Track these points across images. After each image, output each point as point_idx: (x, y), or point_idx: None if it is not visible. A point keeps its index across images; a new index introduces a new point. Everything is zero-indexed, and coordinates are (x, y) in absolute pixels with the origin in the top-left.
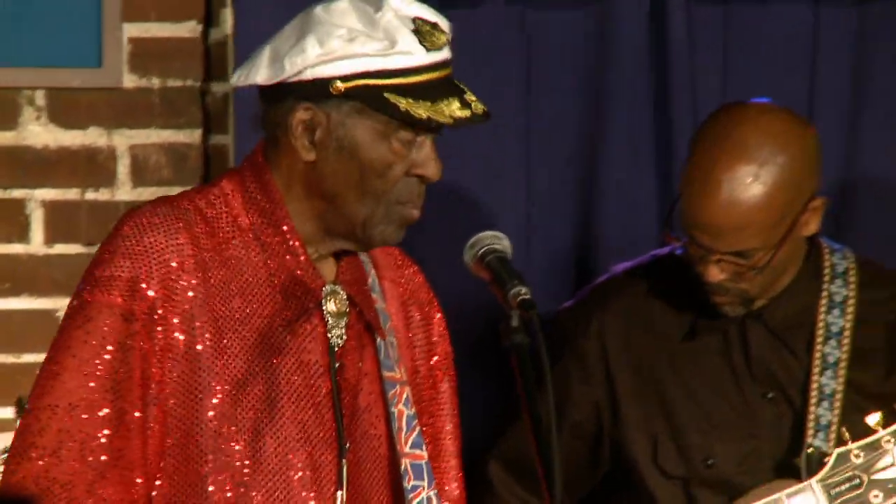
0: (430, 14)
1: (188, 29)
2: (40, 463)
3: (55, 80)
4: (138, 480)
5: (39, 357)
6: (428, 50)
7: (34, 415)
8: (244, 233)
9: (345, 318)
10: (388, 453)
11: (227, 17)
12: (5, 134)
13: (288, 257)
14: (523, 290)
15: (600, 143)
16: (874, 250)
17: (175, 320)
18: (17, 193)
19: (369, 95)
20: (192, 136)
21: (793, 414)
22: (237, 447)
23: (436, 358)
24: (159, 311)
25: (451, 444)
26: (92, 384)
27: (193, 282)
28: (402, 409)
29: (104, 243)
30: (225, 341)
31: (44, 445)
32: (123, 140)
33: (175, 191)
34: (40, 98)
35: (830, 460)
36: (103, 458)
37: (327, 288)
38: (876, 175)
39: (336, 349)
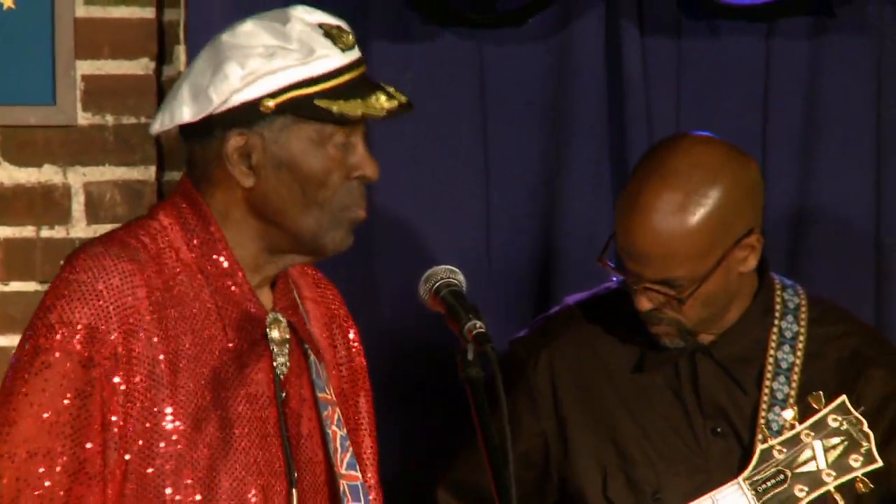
0: (331, 18)
1: (141, 66)
2: None
3: (9, 117)
4: None
5: None
6: (343, 51)
7: None
8: (187, 267)
9: (287, 346)
10: (327, 478)
11: (181, 54)
12: None
13: (232, 288)
14: (478, 323)
15: (559, 174)
16: (827, 281)
17: (135, 365)
18: None
19: (300, 106)
20: (146, 172)
21: (741, 449)
22: (194, 489)
23: (353, 373)
24: (119, 356)
25: (371, 460)
26: (50, 432)
27: (151, 323)
28: (336, 430)
29: (56, 287)
30: (180, 381)
31: (2, 494)
32: (78, 177)
33: None
34: None
35: (755, 458)
36: None
37: (270, 316)
38: (829, 206)
39: (281, 378)
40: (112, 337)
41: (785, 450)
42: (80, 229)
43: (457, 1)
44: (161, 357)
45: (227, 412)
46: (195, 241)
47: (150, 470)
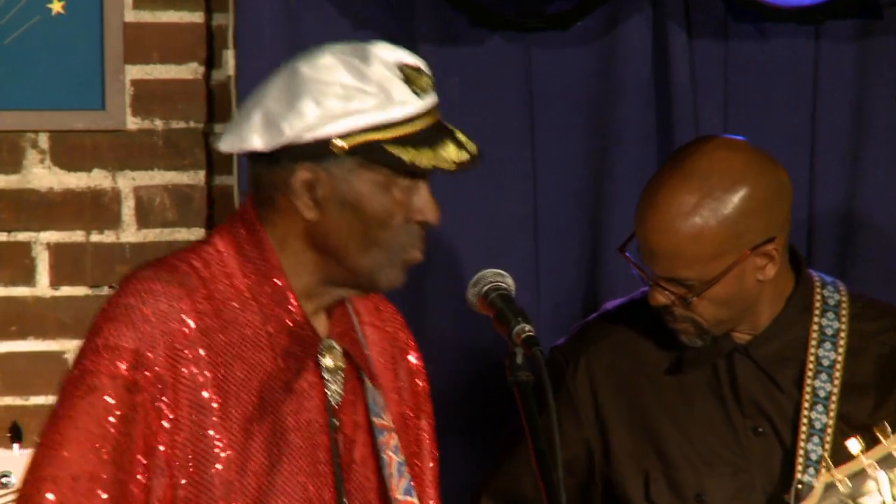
0: (411, 58)
1: (190, 70)
2: None
3: (58, 122)
4: None
5: (47, 399)
6: (419, 96)
7: (35, 485)
8: (240, 293)
9: (340, 373)
10: (380, 503)
11: (229, 59)
12: (9, 177)
13: (285, 315)
14: (527, 327)
15: (607, 179)
16: (875, 284)
17: (181, 391)
18: (21, 236)
19: (371, 150)
20: (195, 177)
21: (783, 448)
22: None
23: (415, 396)
24: (165, 382)
25: (432, 484)
26: (94, 456)
27: (198, 349)
28: (392, 456)
29: (105, 310)
30: (229, 408)
31: None
32: (127, 182)
33: (180, 232)
34: (44, 141)
35: (818, 490)
36: None
37: (324, 343)
38: (877, 209)
39: (335, 406)
40: (158, 362)
41: (849, 482)
42: (130, 234)
43: (504, 4)
44: (209, 383)
45: (276, 439)
46: (250, 268)
47: (200, 497)
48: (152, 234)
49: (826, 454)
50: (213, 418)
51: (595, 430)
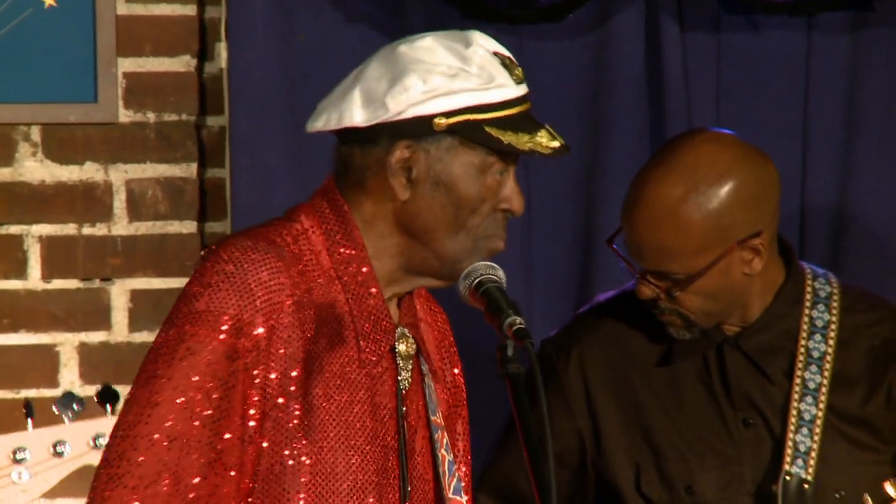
0: (504, 49)
1: (183, 63)
2: (135, 494)
3: (51, 115)
4: None
5: (38, 392)
6: (516, 83)
7: (130, 441)
8: (326, 272)
9: (410, 361)
10: (434, 497)
11: (222, 51)
12: (1, 170)
13: (368, 298)
14: (518, 319)
15: (599, 171)
16: (867, 277)
17: (273, 361)
18: (13, 229)
19: (471, 129)
20: (187, 170)
21: (773, 440)
22: (315, 490)
23: (457, 399)
24: (261, 351)
25: (468, 487)
26: (192, 419)
27: (291, 322)
28: (444, 454)
29: (202, 275)
30: (311, 383)
31: (140, 475)
32: (119, 175)
33: (172, 225)
34: (36, 134)
35: None
36: (198, 494)
37: (399, 330)
38: (869, 201)
39: (403, 392)
40: (257, 330)
41: None
42: (122, 227)
43: None
44: (297, 357)
45: (351, 419)
46: (336, 248)
47: (276, 467)
48: (144, 227)
49: (815, 447)
50: (298, 392)
51: (587, 422)
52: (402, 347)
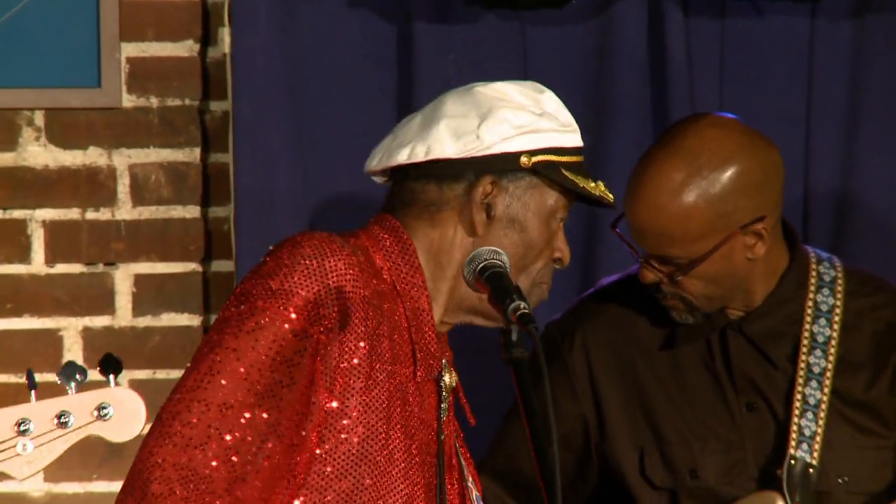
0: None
1: (186, 48)
2: (184, 453)
3: (54, 100)
4: (275, 492)
5: (42, 377)
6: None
7: (185, 404)
8: (390, 286)
9: (450, 395)
10: None
11: (225, 36)
12: (5, 155)
13: (423, 325)
14: (522, 304)
15: (602, 156)
16: (870, 262)
17: (339, 347)
18: (17, 214)
19: (551, 170)
20: (191, 154)
21: (776, 424)
22: (370, 486)
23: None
24: (330, 336)
25: None
26: (250, 390)
27: (360, 317)
28: (472, 488)
29: (279, 255)
30: (372, 378)
31: (190, 436)
32: (123, 159)
33: (175, 210)
34: (39, 118)
35: None
36: (248, 462)
37: (444, 362)
38: (873, 186)
39: (443, 419)
40: (329, 317)
41: None
42: (126, 211)
43: None
44: (362, 352)
45: (406, 427)
46: (396, 270)
47: (334, 460)
48: (147, 212)
49: (820, 431)
50: (359, 384)
51: (591, 405)
52: (446, 378)
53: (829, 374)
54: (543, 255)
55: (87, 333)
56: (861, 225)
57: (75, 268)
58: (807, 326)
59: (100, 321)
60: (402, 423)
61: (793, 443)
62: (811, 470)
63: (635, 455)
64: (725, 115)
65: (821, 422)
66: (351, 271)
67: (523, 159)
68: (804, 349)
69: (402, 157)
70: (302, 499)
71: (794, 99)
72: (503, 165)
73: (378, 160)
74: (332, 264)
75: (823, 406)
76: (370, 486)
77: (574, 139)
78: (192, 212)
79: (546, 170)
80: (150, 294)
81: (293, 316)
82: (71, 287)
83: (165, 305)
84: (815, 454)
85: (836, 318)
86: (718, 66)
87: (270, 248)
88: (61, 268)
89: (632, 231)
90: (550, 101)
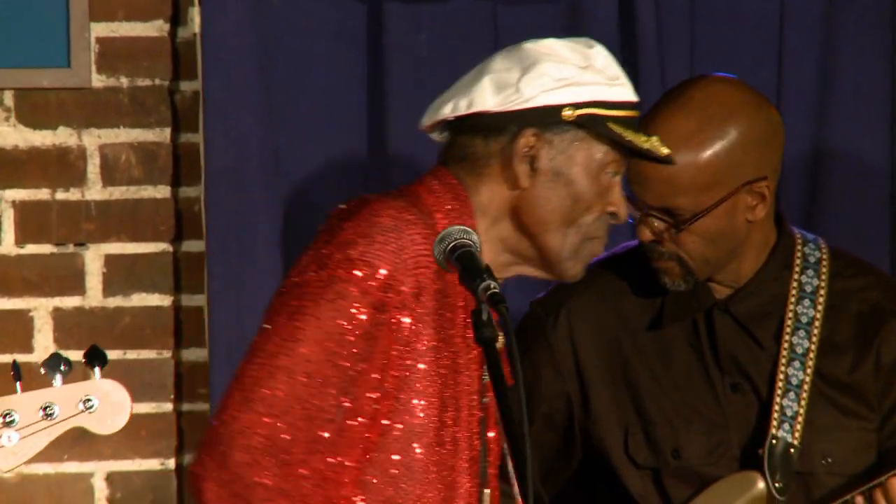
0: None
1: (156, 28)
2: (266, 419)
3: (24, 80)
4: (348, 464)
5: (11, 357)
6: (632, 89)
7: (268, 370)
8: None
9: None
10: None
11: (195, 16)
12: None
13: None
14: (493, 283)
15: None
16: (842, 233)
17: (416, 320)
18: None
19: (595, 124)
20: (161, 134)
21: (760, 404)
22: (430, 455)
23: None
24: (403, 311)
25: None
26: (331, 361)
27: (430, 292)
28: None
29: (358, 224)
30: (436, 353)
31: (273, 404)
32: (93, 140)
33: (146, 190)
34: (9, 98)
35: None
36: (328, 432)
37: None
38: (843, 158)
39: (485, 383)
40: (404, 290)
41: None
42: (96, 191)
43: None
44: (429, 326)
45: (458, 398)
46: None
47: (408, 418)
48: (118, 192)
49: (802, 411)
50: (424, 360)
51: (575, 384)
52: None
53: (812, 354)
54: (594, 209)
55: (58, 314)
56: (832, 196)
57: (45, 248)
58: (791, 307)
59: (70, 301)
60: (454, 394)
61: (774, 423)
62: (792, 450)
63: (620, 434)
64: (730, 76)
65: (803, 402)
66: (425, 246)
67: (566, 112)
68: (788, 329)
69: (447, 110)
70: (371, 470)
71: (765, 71)
72: (545, 118)
73: (429, 116)
74: (409, 237)
75: (806, 387)
76: (421, 456)
77: (623, 93)
78: (162, 192)
79: (591, 123)
80: (120, 274)
81: (374, 288)
82: (41, 267)
83: (136, 285)
84: (797, 434)
85: (821, 300)
86: (689, 40)
87: (341, 206)
88: (31, 248)
89: (633, 184)
90: (599, 55)
